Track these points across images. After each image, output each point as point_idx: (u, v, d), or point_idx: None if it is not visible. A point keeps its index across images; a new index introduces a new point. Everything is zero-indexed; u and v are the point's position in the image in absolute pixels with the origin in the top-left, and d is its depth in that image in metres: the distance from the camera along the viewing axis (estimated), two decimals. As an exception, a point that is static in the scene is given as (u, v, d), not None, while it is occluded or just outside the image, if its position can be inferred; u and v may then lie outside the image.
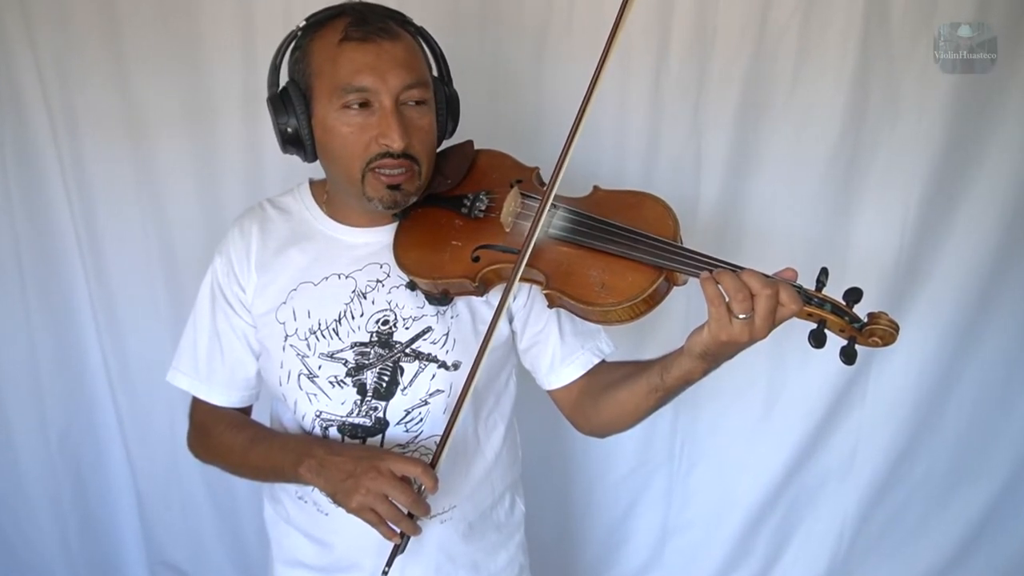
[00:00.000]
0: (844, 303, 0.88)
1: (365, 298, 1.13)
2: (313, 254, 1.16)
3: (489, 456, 1.23)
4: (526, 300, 1.16)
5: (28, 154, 1.74)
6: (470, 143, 1.21)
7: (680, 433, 1.91)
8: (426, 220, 1.13)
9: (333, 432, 1.14)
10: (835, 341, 0.88)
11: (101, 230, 1.79)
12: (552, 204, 1.05)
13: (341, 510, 1.03)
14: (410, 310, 1.12)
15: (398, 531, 1.02)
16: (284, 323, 1.14)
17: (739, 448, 1.90)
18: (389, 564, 1.06)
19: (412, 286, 1.12)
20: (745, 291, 0.85)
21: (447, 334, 1.13)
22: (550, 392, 1.19)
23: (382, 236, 1.15)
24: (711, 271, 0.89)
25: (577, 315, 1.03)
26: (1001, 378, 1.84)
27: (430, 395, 1.13)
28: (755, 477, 1.91)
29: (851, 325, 0.87)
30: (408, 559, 1.11)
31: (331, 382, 1.12)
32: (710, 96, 1.68)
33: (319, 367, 1.12)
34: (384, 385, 1.12)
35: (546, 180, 1.15)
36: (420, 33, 1.12)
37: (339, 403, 1.13)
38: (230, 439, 1.18)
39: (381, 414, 1.13)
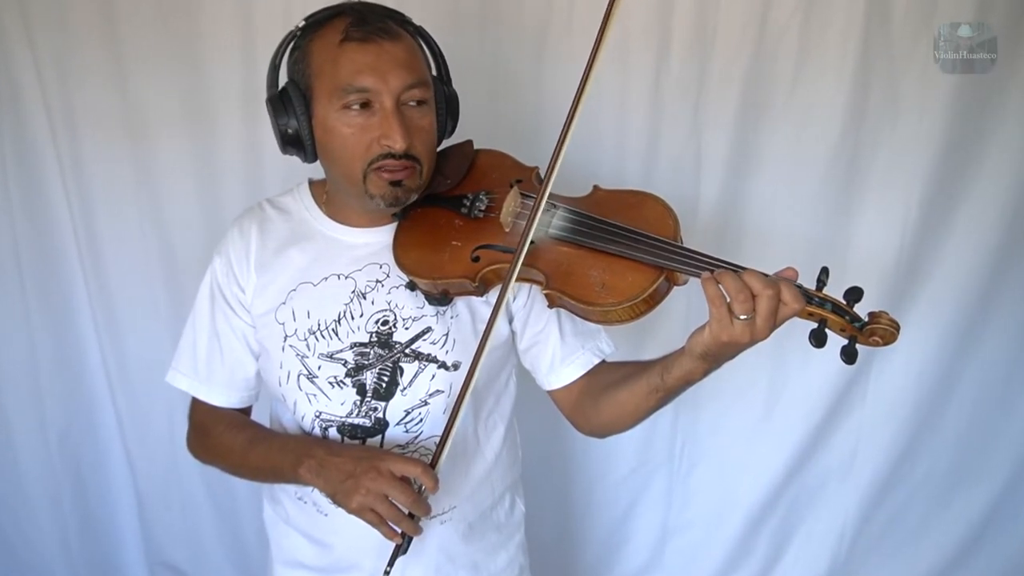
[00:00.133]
0: (845, 302, 0.88)
1: (365, 298, 1.13)
2: (313, 254, 1.15)
3: (489, 456, 1.23)
4: (526, 300, 1.16)
5: (27, 154, 1.74)
6: (470, 143, 1.21)
7: (680, 433, 1.91)
8: (426, 220, 1.13)
9: (333, 433, 1.14)
10: (836, 341, 0.88)
11: (100, 230, 1.79)
12: (552, 204, 1.05)
13: (341, 511, 1.03)
14: (410, 310, 1.12)
15: (399, 531, 1.02)
16: (283, 323, 1.13)
17: (740, 448, 1.90)
18: (391, 564, 1.05)
19: (412, 286, 1.12)
20: (746, 291, 0.85)
21: (447, 334, 1.13)
22: (550, 392, 1.19)
23: (382, 236, 1.15)
24: (712, 271, 0.88)
25: (577, 315, 1.03)
26: (1002, 378, 1.84)
27: (430, 395, 1.12)
28: (756, 477, 1.91)
29: (852, 324, 0.87)
30: (408, 559, 1.10)
31: (331, 382, 1.12)
32: (710, 96, 1.68)
33: (318, 367, 1.12)
34: (384, 385, 1.12)
35: (545, 180, 1.15)
36: (419, 32, 1.12)
37: (339, 403, 1.12)
38: (229, 440, 1.18)
39: (381, 414, 1.12)
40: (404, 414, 1.13)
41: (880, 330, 0.86)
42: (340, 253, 1.15)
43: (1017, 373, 1.84)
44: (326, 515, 1.16)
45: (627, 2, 0.98)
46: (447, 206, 1.13)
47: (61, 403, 1.90)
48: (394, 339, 1.12)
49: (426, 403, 1.13)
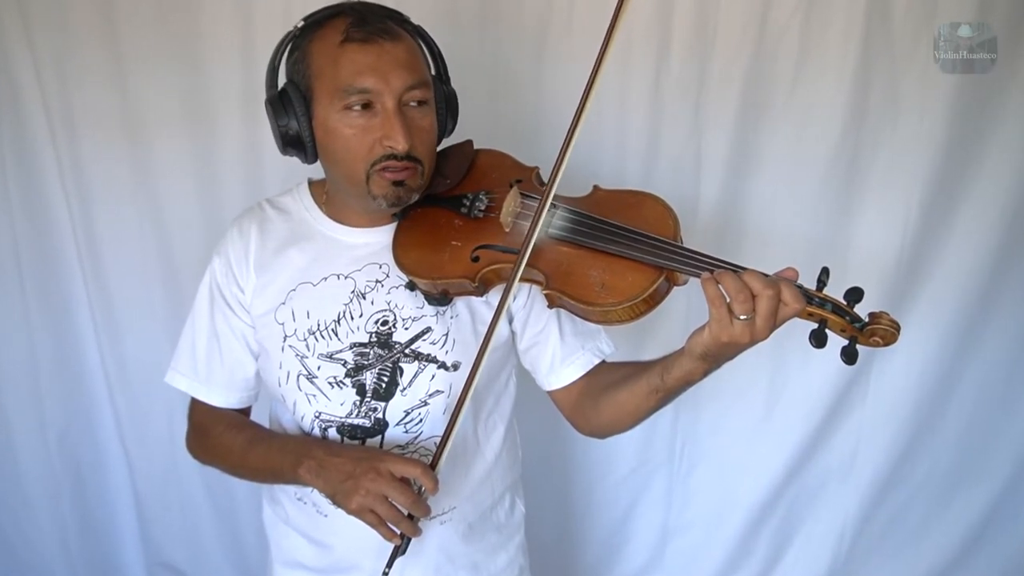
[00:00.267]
0: (845, 303, 0.88)
1: (364, 298, 1.12)
2: (312, 254, 1.15)
3: (489, 457, 1.23)
4: (526, 300, 1.16)
5: (27, 154, 1.74)
6: (470, 143, 1.21)
7: (681, 433, 1.91)
8: (425, 220, 1.13)
9: (332, 433, 1.13)
10: (836, 341, 0.88)
11: (100, 230, 1.79)
12: (552, 204, 1.05)
13: (340, 511, 1.03)
14: (409, 310, 1.12)
15: (398, 532, 1.01)
16: (283, 324, 1.13)
17: (740, 448, 1.90)
18: (389, 565, 1.05)
19: (411, 286, 1.11)
20: (746, 292, 0.85)
21: (446, 334, 1.12)
22: (550, 392, 1.19)
23: (381, 236, 1.15)
24: (712, 271, 0.88)
25: (577, 315, 1.03)
26: (1002, 378, 1.84)
27: (429, 396, 1.12)
28: (756, 478, 1.91)
29: (852, 325, 0.87)
30: (408, 560, 1.10)
31: (330, 383, 1.12)
32: (710, 96, 1.68)
33: (318, 368, 1.12)
34: (383, 386, 1.12)
35: (546, 180, 1.15)
36: (418, 32, 1.12)
37: (338, 404, 1.12)
38: (229, 440, 1.17)
39: (380, 415, 1.12)
40: (404, 414, 1.12)
41: (880, 331, 0.86)
42: (340, 253, 1.15)
43: (1017, 373, 1.84)
44: (326, 516, 1.16)
45: (629, 7, 0.97)
46: (447, 206, 1.13)
47: (60, 403, 1.90)
48: (394, 339, 1.12)
49: (426, 403, 1.12)
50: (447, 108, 1.14)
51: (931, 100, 1.65)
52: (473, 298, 1.13)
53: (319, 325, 1.12)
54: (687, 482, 1.94)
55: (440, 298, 1.10)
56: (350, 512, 1.01)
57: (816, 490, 1.92)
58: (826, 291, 0.89)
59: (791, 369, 1.83)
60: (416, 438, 1.13)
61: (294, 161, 1.13)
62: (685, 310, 1.73)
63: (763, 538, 1.96)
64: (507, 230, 1.07)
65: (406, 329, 1.12)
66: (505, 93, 1.69)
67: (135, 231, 1.78)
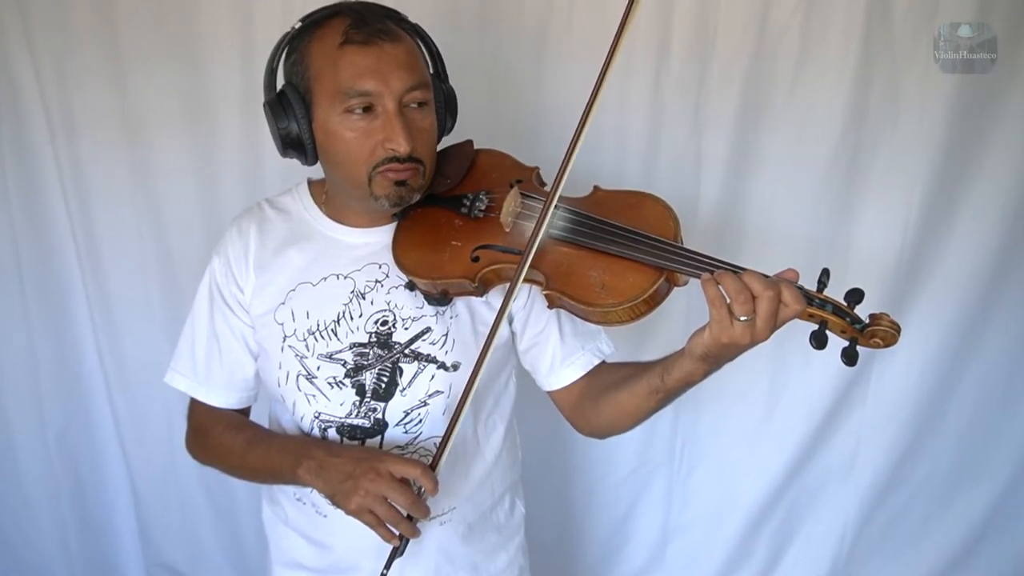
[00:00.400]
0: (845, 304, 0.87)
1: (364, 298, 1.12)
2: (312, 254, 1.15)
3: (489, 457, 1.23)
4: (526, 301, 1.16)
5: (26, 155, 1.73)
6: (470, 143, 1.21)
7: (681, 434, 1.91)
8: (425, 220, 1.13)
9: (332, 433, 1.13)
10: (836, 342, 0.88)
11: (99, 231, 1.78)
12: (554, 205, 1.04)
13: (340, 512, 1.02)
14: (409, 310, 1.12)
15: (397, 533, 1.01)
16: (283, 324, 1.13)
17: (740, 449, 1.89)
18: (388, 566, 1.05)
19: (411, 286, 1.11)
20: (747, 293, 0.84)
21: (446, 335, 1.12)
22: (550, 393, 1.19)
23: (381, 236, 1.14)
24: (712, 272, 0.88)
25: (577, 316, 1.03)
26: (1003, 379, 1.84)
27: (429, 396, 1.12)
28: (756, 478, 1.91)
29: (852, 326, 0.86)
30: (407, 561, 1.10)
31: (330, 383, 1.12)
32: (710, 96, 1.68)
33: (318, 368, 1.12)
34: (383, 386, 1.11)
35: (546, 180, 1.14)
36: (416, 31, 1.12)
37: (338, 404, 1.12)
38: (228, 440, 1.17)
39: (380, 415, 1.12)
40: (403, 415, 1.12)
41: (881, 332, 0.85)
42: (339, 253, 1.15)
43: (1018, 374, 1.84)
44: (325, 516, 1.16)
45: (638, 10, 0.97)
46: (447, 206, 1.13)
47: (60, 403, 1.90)
48: (393, 339, 1.11)
49: (425, 404, 1.12)
50: (446, 107, 1.14)
51: (931, 100, 1.65)
52: (473, 298, 1.13)
53: (319, 325, 1.12)
54: (687, 483, 1.94)
55: (440, 298, 1.10)
56: (349, 512, 1.01)
57: (816, 491, 1.92)
58: (826, 292, 0.88)
59: (791, 370, 1.83)
60: (416, 438, 1.13)
61: (293, 162, 1.13)
62: (685, 311, 1.73)
63: (763, 539, 1.96)
64: (507, 230, 1.07)
65: (406, 329, 1.12)
66: (505, 93, 1.69)
67: (134, 231, 1.78)
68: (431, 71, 1.13)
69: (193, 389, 1.21)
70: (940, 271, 1.75)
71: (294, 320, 1.13)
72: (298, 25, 1.07)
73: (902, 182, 1.70)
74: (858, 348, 0.87)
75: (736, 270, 0.89)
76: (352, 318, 1.12)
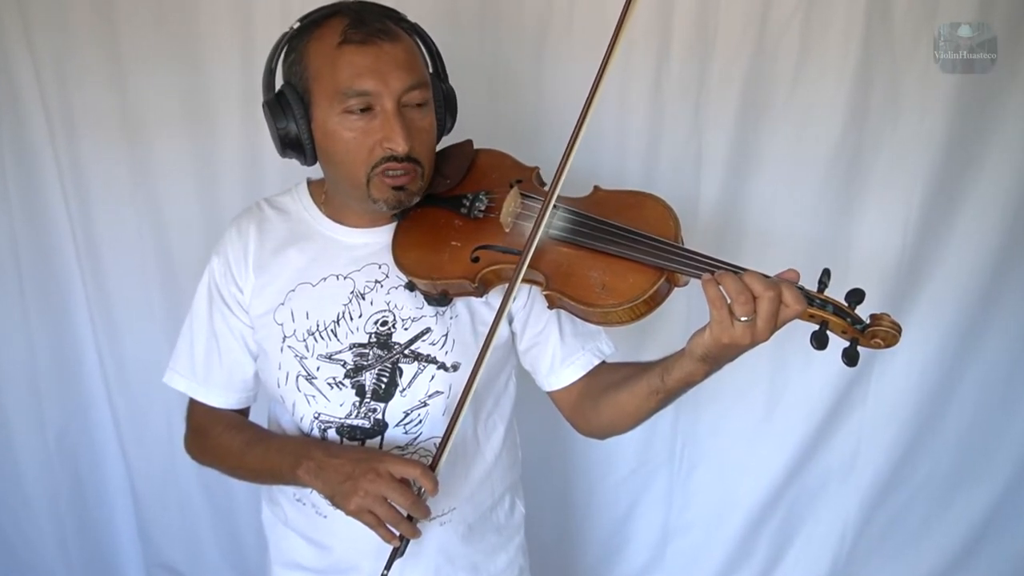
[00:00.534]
0: (846, 304, 0.87)
1: (364, 299, 1.12)
2: (311, 254, 1.15)
3: (489, 458, 1.23)
4: (526, 301, 1.15)
5: (26, 155, 1.73)
6: (469, 143, 1.21)
7: (681, 434, 1.91)
8: (425, 220, 1.13)
9: (332, 434, 1.13)
10: (837, 343, 0.88)
11: (98, 231, 1.78)
12: (553, 204, 1.04)
13: (340, 512, 1.02)
14: (409, 311, 1.12)
15: (397, 534, 1.01)
16: (282, 324, 1.13)
17: (740, 449, 1.89)
18: (388, 567, 1.05)
19: (411, 287, 1.11)
20: (747, 293, 0.84)
21: (446, 335, 1.12)
22: (550, 393, 1.19)
23: (381, 236, 1.14)
24: (712, 272, 0.88)
25: (577, 316, 1.03)
26: (1003, 379, 1.84)
27: (429, 396, 1.12)
28: (756, 478, 1.91)
29: (853, 327, 0.86)
30: (407, 561, 1.10)
31: (329, 384, 1.12)
32: (711, 96, 1.68)
33: (317, 368, 1.12)
34: (383, 387, 1.11)
35: (546, 180, 1.14)
36: (415, 30, 1.11)
37: (338, 405, 1.12)
38: (227, 441, 1.17)
39: (380, 416, 1.12)
40: (403, 415, 1.12)
41: (882, 332, 0.85)
42: (339, 253, 1.15)
43: (1019, 374, 1.84)
44: (325, 517, 1.16)
45: (636, 8, 0.97)
46: (447, 206, 1.13)
47: (59, 403, 1.90)
48: (393, 340, 1.11)
49: (425, 404, 1.12)
50: (446, 107, 1.14)
51: (931, 100, 1.64)
52: (473, 299, 1.13)
53: (318, 326, 1.12)
54: (687, 483, 1.94)
55: (440, 298, 1.10)
56: (349, 513, 1.00)
57: (817, 491, 1.92)
58: (827, 292, 0.88)
59: (792, 370, 1.83)
60: (416, 439, 1.13)
61: (293, 162, 1.13)
62: (686, 311, 1.72)
63: (763, 539, 1.96)
64: (507, 231, 1.07)
65: (405, 330, 1.11)
66: (505, 93, 1.68)
67: (134, 231, 1.78)
68: (431, 71, 1.13)
69: (192, 389, 1.21)
70: (941, 271, 1.75)
71: (293, 320, 1.13)
72: (297, 25, 1.07)
73: (902, 182, 1.69)
74: (859, 348, 0.86)
75: (736, 270, 0.88)
76: (352, 318, 1.12)
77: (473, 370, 1.02)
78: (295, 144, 1.08)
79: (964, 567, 1.95)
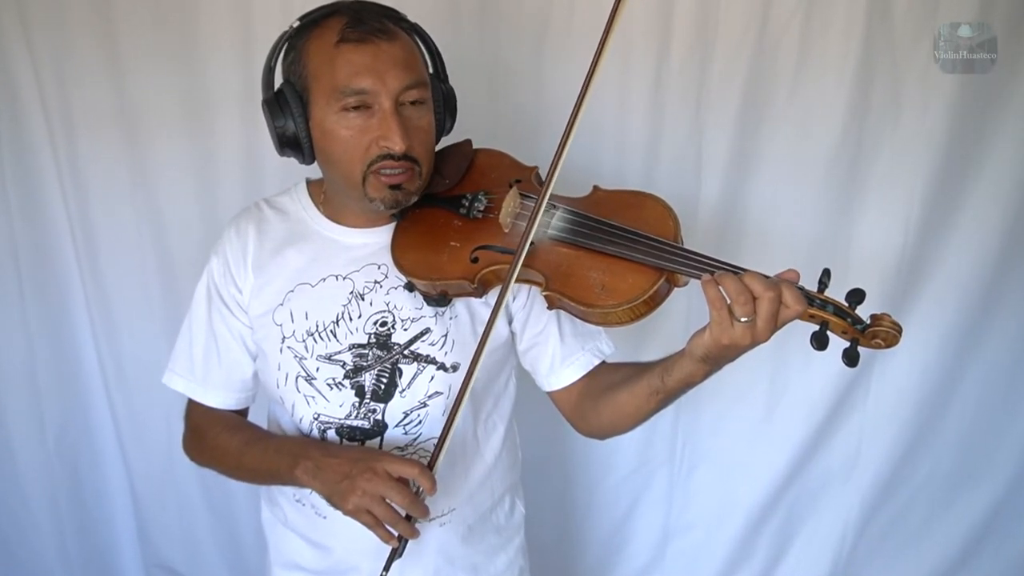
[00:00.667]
0: (846, 305, 0.87)
1: (363, 299, 1.12)
2: (310, 255, 1.15)
3: (488, 458, 1.22)
4: (525, 301, 1.15)
5: (25, 154, 1.73)
6: (468, 142, 1.20)
7: (681, 434, 1.91)
8: (424, 221, 1.12)
9: (331, 435, 1.13)
10: (837, 343, 0.87)
11: (97, 230, 1.78)
12: (551, 204, 1.04)
13: (339, 513, 1.02)
14: (408, 311, 1.12)
15: (395, 534, 1.01)
16: (281, 325, 1.13)
17: (741, 449, 1.89)
18: (386, 568, 1.05)
19: (410, 287, 1.11)
20: (747, 294, 0.84)
21: (446, 335, 1.12)
22: (550, 393, 1.19)
23: (380, 237, 1.14)
24: (712, 273, 0.88)
25: (577, 317, 1.02)
26: (1005, 379, 1.84)
27: (429, 397, 1.12)
28: (757, 478, 1.90)
29: (853, 327, 0.86)
30: (407, 562, 1.10)
31: (329, 384, 1.11)
32: (711, 96, 1.67)
33: (317, 369, 1.11)
34: (382, 387, 1.11)
35: (544, 179, 1.14)
36: (415, 30, 1.11)
37: (337, 405, 1.12)
38: (225, 441, 1.17)
39: (380, 416, 1.12)
40: (403, 416, 1.12)
41: (882, 333, 0.85)
42: (338, 254, 1.14)
43: (1020, 374, 1.83)
44: (324, 517, 1.15)
45: (628, 2, 0.97)
46: (446, 206, 1.12)
47: (58, 403, 1.90)
48: (393, 340, 1.11)
49: (425, 405, 1.12)
50: (445, 107, 1.14)
51: (932, 100, 1.64)
52: (472, 299, 1.13)
53: (317, 326, 1.12)
54: (688, 483, 1.94)
55: (439, 299, 1.10)
56: (346, 513, 1.00)
57: (817, 491, 1.91)
58: (827, 292, 0.88)
59: (792, 370, 1.82)
60: (415, 439, 1.13)
61: (293, 161, 1.13)
62: (685, 311, 1.72)
63: (764, 539, 1.96)
64: (506, 231, 1.06)
65: (405, 330, 1.11)
66: (505, 92, 1.68)
67: (133, 231, 1.78)
68: (430, 71, 1.13)
69: (191, 390, 1.21)
70: (941, 271, 1.75)
71: (293, 321, 1.12)
72: (296, 24, 1.07)
73: (903, 182, 1.69)
74: (859, 349, 0.86)
75: (736, 271, 0.88)
76: (351, 319, 1.11)
77: (469, 368, 1.02)
78: (293, 143, 1.08)
79: (965, 567, 1.95)
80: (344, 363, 1.11)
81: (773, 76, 1.65)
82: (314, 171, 1.16)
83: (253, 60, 1.63)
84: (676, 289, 0.98)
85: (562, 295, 0.99)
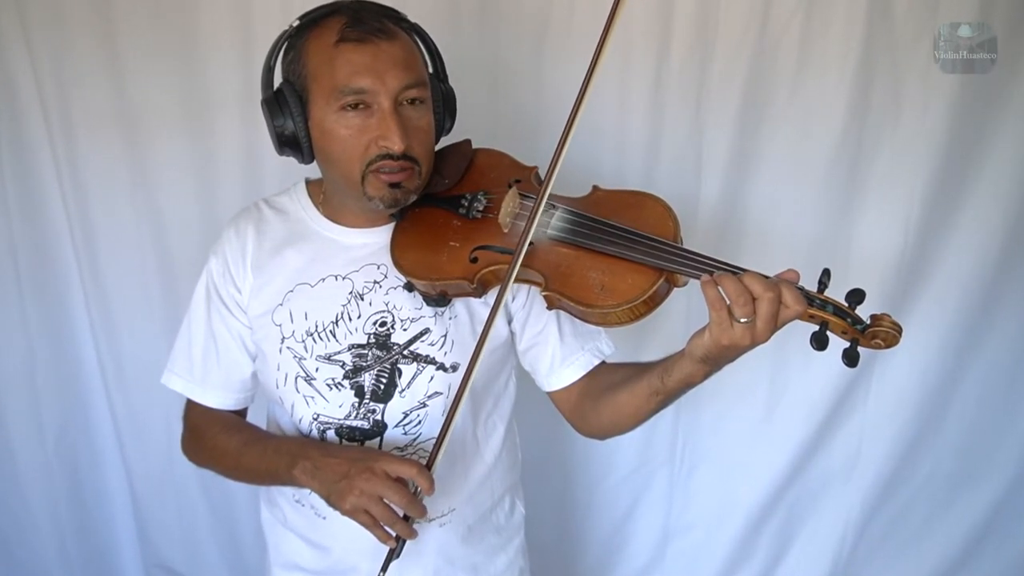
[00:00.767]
0: (846, 305, 0.87)
1: (362, 299, 1.12)
2: (310, 255, 1.15)
3: (488, 458, 1.22)
4: (525, 301, 1.15)
5: (24, 153, 1.73)
6: (468, 142, 1.20)
7: (681, 434, 1.91)
8: (424, 221, 1.12)
9: (331, 435, 1.13)
10: (837, 343, 0.87)
11: (97, 230, 1.78)
12: (551, 204, 1.04)
13: (339, 513, 1.01)
14: (408, 311, 1.11)
15: (393, 534, 1.01)
16: (281, 325, 1.13)
17: (741, 449, 1.89)
18: (384, 568, 1.04)
19: (410, 287, 1.11)
20: (747, 295, 0.84)
21: (445, 336, 1.12)
22: (550, 393, 1.19)
23: (379, 237, 1.14)
24: (712, 273, 0.88)
25: (576, 317, 1.02)
26: (1005, 379, 1.83)
27: (428, 397, 1.12)
28: (757, 479, 1.90)
29: (853, 327, 0.86)
30: (407, 562, 1.10)
31: (328, 384, 1.11)
32: (711, 96, 1.67)
33: (316, 369, 1.11)
34: (382, 387, 1.11)
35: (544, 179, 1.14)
36: (415, 30, 1.11)
37: (337, 406, 1.12)
38: (224, 442, 1.17)
39: (379, 416, 1.12)
40: (403, 416, 1.12)
41: (882, 333, 0.85)
42: (337, 254, 1.14)
43: (1020, 374, 1.83)
44: (324, 518, 1.15)
45: (628, 2, 0.97)
46: (445, 206, 1.12)
47: (57, 403, 1.90)
48: (392, 340, 1.11)
49: (425, 405, 1.12)
50: (445, 107, 1.14)
51: (932, 100, 1.64)
52: (472, 299, 1.13)
53: (317, 326, 1.12)
54: (688, 483, 1.94)
55: (438, 299, 1.10)
56: (344, 513, 1.00)
57: (818, 491, 1.91)
58: (827, 293, 0.88)
59: (792, 370, 1.82)
60: (415, 440, 1.13)
61: (292, 161, 1.13)
62: (685, 311, 1.72)
63: (764, 539, 1.96)
64: (506, 231, 1.06)
65: (404, 330, 1.11)
66: (504, 92, 1.68)
67: (132, 230, 1.78)
68: (430, 71, 1.13)
69: (189, 390, 1.21)
70: (941, 271, 1.75)
71: (292, 321, 1.12)
72: (296, 23, 1.07)
73: (903, 182, 1.69)
74: (859, 349, 0.86)
75: (736, 271, 0.88)
76: (350, 319, 1.11)
77: (468, 367, 1.01)
78: (292, 142, 1.08)
79: (966, 567, 1.95)
80: (343, 363, 1.11)
81: (773, 76, 1.65)
82: (313, 171, 1.16)
83: (253, 60, 1.63)
84: (676, 289, 0.98)
85: (561, 295, 0.99)
